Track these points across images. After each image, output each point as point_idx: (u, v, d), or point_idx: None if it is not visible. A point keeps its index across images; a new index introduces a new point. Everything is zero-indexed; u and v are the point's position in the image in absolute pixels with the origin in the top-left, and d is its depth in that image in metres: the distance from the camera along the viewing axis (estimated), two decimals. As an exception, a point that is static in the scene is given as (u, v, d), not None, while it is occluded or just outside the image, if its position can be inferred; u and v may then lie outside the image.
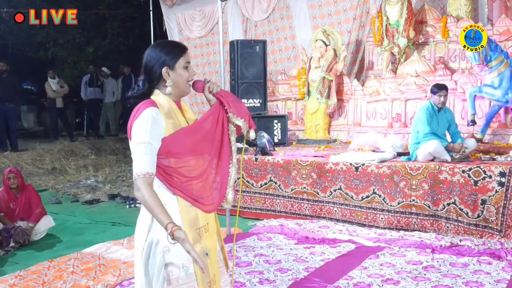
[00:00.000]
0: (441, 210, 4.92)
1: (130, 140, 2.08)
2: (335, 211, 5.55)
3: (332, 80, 7.28)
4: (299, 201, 5.80)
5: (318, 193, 5.66)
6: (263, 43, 7.42)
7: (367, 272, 4.02)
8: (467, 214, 4.76)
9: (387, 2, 7.11)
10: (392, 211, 5.19)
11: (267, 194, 6.05)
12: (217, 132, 2.19)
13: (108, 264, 4.45)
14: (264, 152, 6.19)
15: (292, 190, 5.84)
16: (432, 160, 5.20)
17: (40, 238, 5.45)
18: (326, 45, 7.36)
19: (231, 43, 7.36)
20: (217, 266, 2.24)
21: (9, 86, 10.46)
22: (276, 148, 6.57)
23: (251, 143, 6.29)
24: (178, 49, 2.16)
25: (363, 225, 5.31)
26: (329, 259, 4.38)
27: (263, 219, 5.79)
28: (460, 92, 6.35)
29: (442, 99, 5.26)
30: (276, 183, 5.97)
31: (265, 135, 6.29)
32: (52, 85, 12.17)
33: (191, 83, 2.19)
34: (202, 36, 10.31)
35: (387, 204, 5.22)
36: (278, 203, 5.96)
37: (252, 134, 2.27)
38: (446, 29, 6.98)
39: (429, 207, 4.99)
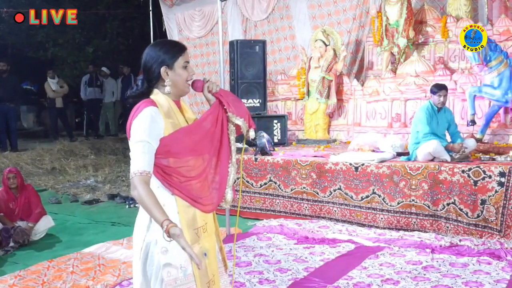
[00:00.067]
0: (441, 210, 4.91)
1: (129, 139, 2.07)
2: (335, 211, 5.55)
3: (331, 80, 7.28)
4: (299, 201, 5.80)
5: (317, 193, 5.65)
6: (263, 43, 7.42)
7: (366, 272, 4.02)
8: (466, 214, 4.76)
9: (386, 2, 7.11)
10: (392, 211, 5.19)
11: (266, 194, 6.04)
12: (216, 131, 2.18)
13: (108, 264, 4.45)
14: (263, 152, 6.19)
15: (291, 190, 5.84)
16: (432, 160, 5.20)
17: (39, 238, 5.45)
18: (326, 45, 7.35)
19: (231, 43, 7.36)
20: (216, 266, 2.23)
21: (9, 86, 10.44)
22: (275, 148, 6.57)
23: (251, 143, 6.29)
24: (177, 49, 2.15)
25: (363, 225, 5.31)
26: (329, 259, 4.38)
27: (262, 219, 5.79)
28: (460, 92, 6.35)
29: (441, 99, 5.26)
30: (275, 183, 5.96)
31: (265, 135, 6.29)
32: (52, 85, 12.16)
33: (190, 82, 2.18)
34: (201, 36, 10.31)
35: (386, 204, 5.21)
36: (278, 203, 5.95)
37: (251, 133, 2.26)
38: (446, 29, 6.98)
39: (428, 207, 4.98)
